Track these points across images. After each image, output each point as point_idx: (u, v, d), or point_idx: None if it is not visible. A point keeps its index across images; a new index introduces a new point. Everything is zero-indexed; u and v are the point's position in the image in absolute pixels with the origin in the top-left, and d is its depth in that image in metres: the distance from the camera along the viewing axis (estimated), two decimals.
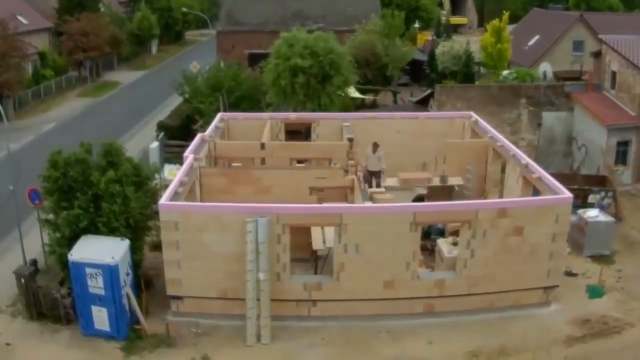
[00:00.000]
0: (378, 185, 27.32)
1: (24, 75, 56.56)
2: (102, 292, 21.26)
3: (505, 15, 50.20)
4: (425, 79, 57.74)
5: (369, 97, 50.56)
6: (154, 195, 24.19)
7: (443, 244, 24.71)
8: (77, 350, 21.29)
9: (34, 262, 24.40)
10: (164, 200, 22.04)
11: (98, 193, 22.40)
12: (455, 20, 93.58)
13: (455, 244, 23.90)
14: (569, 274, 25.45)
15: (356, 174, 25.91)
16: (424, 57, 61.04)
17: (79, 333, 21.99)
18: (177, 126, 42.99)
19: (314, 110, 37.01)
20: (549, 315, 23.00)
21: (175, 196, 22.60)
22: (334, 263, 22.34)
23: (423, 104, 43.70)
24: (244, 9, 62.98)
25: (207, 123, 34.16)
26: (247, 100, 42.48)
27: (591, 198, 30.20)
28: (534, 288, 23.03)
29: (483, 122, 31.14)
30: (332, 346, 21.49)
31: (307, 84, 37.87)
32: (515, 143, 31.46)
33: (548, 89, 38.20)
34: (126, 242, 22.15)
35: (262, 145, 28.42)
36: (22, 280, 22.90)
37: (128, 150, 24.76)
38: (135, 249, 22.99)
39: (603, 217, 27.50)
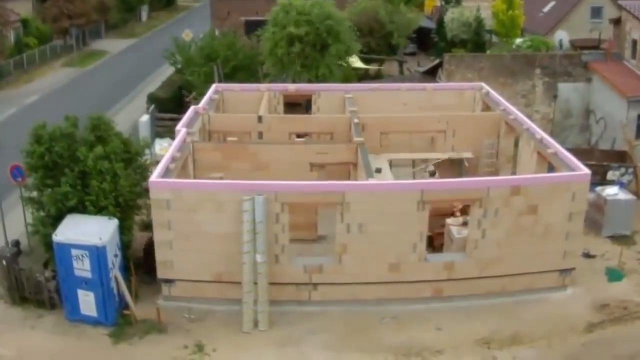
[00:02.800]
0: None
1: (6, 44, 56.22)
2: (88, 275, 21.10)
3: None
4: (433, 48, 57.51)
5: (372, 68, 50.24)
6: (144, 172, 24.03)
7: (453, 224, 24.55)
8: (62, 337, 21.18)
9: (17, 243, 24.25)
10: (154, 177, 21.89)
11: (85, 170, 22.22)
12: None
13: (465, 223, 23.74)
14: (587, 255, 25.36)
15: None
16: (431, 25, 60.79)
17: (64, 318, 21.88)
18: (169, 98, 43.02)
19: (311, 81, 36.80)
20: (565, 299, 22.89)
21: (166, 173, 22.46)
22: (335, 244, 22.18)
23: (431, 74, 43.41)
24: None
25: (201, 95, 34.02)
26: (243, 70, 42.44)
27: (610, 174, 30.04)
28: (549, 271, 22.91)
29: (495, 94, 30.91)
30: (333, 333, 21.39)
31: (303, 53, 37.62)
32: (529, 116, 31.23)
33: (564, 58, 37.93)
34: (114, 222, 21.99)
35: (260, 119, 28.23)
36: (4, 263, 22.75)
37: (117, 124, 24.58)
38: (124, 229, 22.85)
39: (623, 195, 27.32)
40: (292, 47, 37.50)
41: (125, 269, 22.62)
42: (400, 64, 52.87)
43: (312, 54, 37.86)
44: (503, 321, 21.72)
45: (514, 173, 27.79)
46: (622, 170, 30.26)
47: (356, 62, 44.76)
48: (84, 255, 20.93)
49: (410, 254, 22.07)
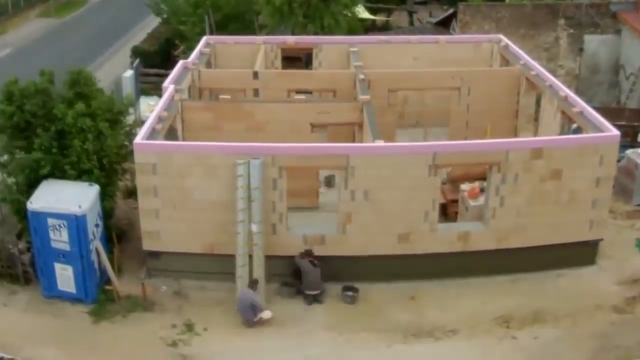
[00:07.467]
0: None
1: None
2: (67, 247, 21.02)
3: None
4: None
5: (380, 18, 50.02)
6: (128, 133, 23.84)
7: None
8: (38, 315, 21.11)
9: None
10: (139, 138, 21.80)
11: (64, 129, 21.95)
12: None
13: (482, 190, 23.59)
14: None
15: None
16: None
17: (40, 295, 21.83)
18: (155, 51, 43.17)
19: (316, 33, 36.56)
20: (592, 274, 22.82)
21: (152, 134, 22.37)
22: (338, 213, 22.04)
23: (444, 25, 43.27)
24: None
25: (190, 48, 33.92)
26: (237, 20, 42.27)
27: None
28: (575, 242, 22.78)
29: (515, 47, 30.71)
30: (337, 310, 21.34)
31: (307, 2, 37.41)
32: (552, 72, 31.17)
33: (591, 7, 37.78)
34: (95, 188, 21.83)
35: (255, 74, 28.12)
36: None
37: (99, 81, 24.40)
38: (106, 196, 22.76)
39: None
40: None
41: (107, 240, 22.56)
42: (411, 14, 52.76)
43: (316, 3, 37.55)
44: (523, 298, 21.64)
45: (535, 134, 27.59)
46: None
47: (362, 12, 44.51)
48: (62, 225, 20.81)
49: (421, 224, 21.98)
